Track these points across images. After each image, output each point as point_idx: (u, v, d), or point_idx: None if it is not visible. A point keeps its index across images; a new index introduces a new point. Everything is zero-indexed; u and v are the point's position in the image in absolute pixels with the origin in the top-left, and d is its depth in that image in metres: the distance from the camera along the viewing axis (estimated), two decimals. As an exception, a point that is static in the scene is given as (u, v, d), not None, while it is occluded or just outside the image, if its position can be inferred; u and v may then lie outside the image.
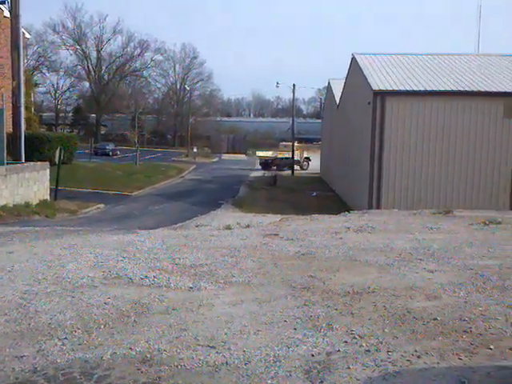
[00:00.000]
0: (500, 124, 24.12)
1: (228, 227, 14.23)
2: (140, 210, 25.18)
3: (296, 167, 58.07)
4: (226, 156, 75.10)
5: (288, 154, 54.37)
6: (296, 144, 60.10)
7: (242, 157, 75.61)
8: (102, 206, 24.78)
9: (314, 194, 35.86)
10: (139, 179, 37.52)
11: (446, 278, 7.69)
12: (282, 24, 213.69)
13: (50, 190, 23.22)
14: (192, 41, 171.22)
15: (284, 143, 59.66)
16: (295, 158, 57.84)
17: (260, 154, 59.80)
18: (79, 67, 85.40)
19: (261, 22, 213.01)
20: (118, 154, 61.56)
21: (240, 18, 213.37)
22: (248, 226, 14.41)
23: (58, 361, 4.90)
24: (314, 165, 56.02)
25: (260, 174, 48.07)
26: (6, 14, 26.13)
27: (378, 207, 23.46)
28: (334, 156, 39.54)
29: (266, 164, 54.50)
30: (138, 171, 42.42)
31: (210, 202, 29.35)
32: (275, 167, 53.62)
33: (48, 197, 22.77)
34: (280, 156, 55.94)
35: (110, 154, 60.78)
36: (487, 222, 12.44)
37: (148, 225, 18.50)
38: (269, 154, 57.82)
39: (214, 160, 68.08)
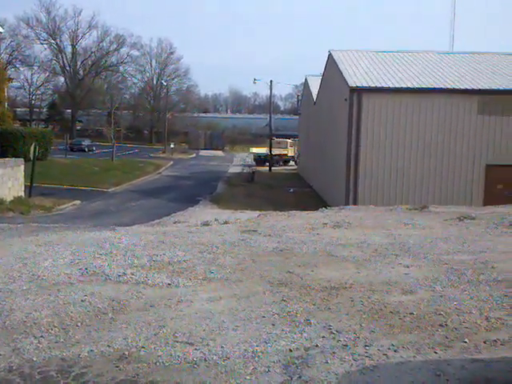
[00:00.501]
0: (474, 121, 24.48)
1: (206, 223, 14.21)
2: (117, 206, 24.98)
3: (291, 163, 58.97)
4: (203, 152, 74.77)
5: (279, 151, 55.58)
6: (289, 141, 60.77)
7: (220, 153, 75.44)
8: (77, 202, 24.52)
9: (292, 190, 35.98)
10: (116, 175, 37.20)
11: (422, 272, 7.80)
12: (259, 19, 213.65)
13: (25, 186, 22.89)
14: (169, 36, 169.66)
15: (279, 139, 60.52)
16: (290, 155, 58.71)
17: (254, 150, 60.95)
18: (54, 62, 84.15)
19: (238, 18, 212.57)
20: (94, 150, 60.89)
21: (217, 13, 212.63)
22: (226, 223, 14.40)
23: (34, 359, 4.86)
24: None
25: (238, 170, 48.04)
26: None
27: (355, 203, 23.63)
28: (311, 152, 39.71)
29: (259, 160, 55.33)
30: (115, 167, 42.04)
31: (188, 198, 29.25)
32: (268, 163, 54.73)
33: (23, 193, 22.46)
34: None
35: (86, 149, 60.13)
36: (462, 218, 12.63)
37: (125, 221, 18.38)
38: (263, 150, 58.94)
39: (192, 156, 67.78)
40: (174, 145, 67.20)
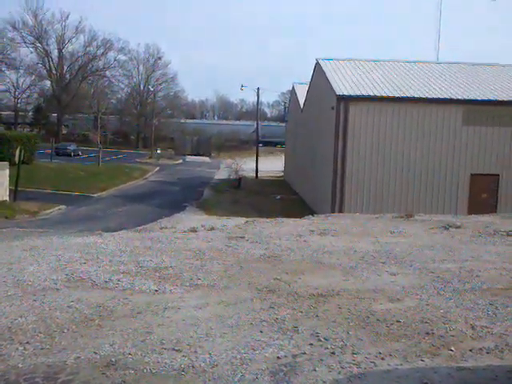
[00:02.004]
0: (459, 131, 24.75)
1: (193, 230, 14.16)
2: (103, 211, 24.82)
3: None
4: (189, 158, 74.55)
5: None
6: None
7: (206, 159, 75.31)
8: (63, 207, 24.33)
9: (278, 197, 36.01)
10: (102, 180, 36.95)
11: (408, 280, 7.86)
12: (247, 26, 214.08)
13: (10, 190, 22.67)
14: (156, 41, 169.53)
15: None
16: None
17: None
18: (40, 66, 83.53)
19: (225, 24, 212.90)
20: (80, 155, 60.47)
21: (204, 19, 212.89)
22: (213, 229, 14.36)
23: (20, 366, 4.80)
24: (279, 168, 56.15)
25: (224, 176, 47.95)
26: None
27: (341, 211, 23.73)
28: (298, 159, 39.82)
29: None
30: (101, 172, 41.77)
31: (174, 204, 29.15)
32: None
33: (7, 197, 22.24)
34: None
35: (72, 154, 59.61)
36: (447, 226, 12.74)
37: (111, 227, 18.25)
38: None
39: (178, 162, 67.52)
40: (161, 150, 66.99)
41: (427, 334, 5.68)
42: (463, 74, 28.95)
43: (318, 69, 30.89)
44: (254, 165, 51.49)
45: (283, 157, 56.67)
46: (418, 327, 5.87)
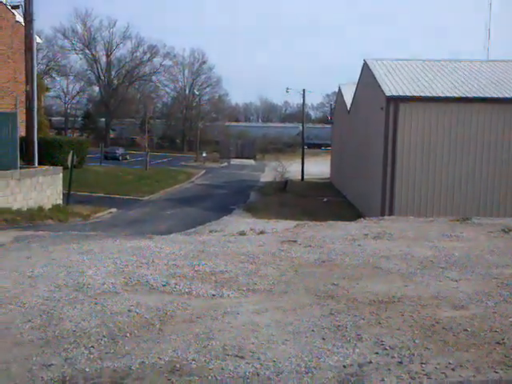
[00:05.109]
0: (514, 130, 23.92)
1: (242, 233, 14.15)
2: (152, 214, 25.11)
3: None
4: (234, 161, 74.90)
5: None
6: None
7: (251, 162, 75.50)
8: (113, 210, 24.72)
9: (325, 199, 35.68)
10: (149, 184, 37.45)
11: (471, 287, 7.58)
12: (290, 28, 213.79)
13: (63, 194, 23.20)
14: (201, 45, 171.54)
15: None
16: None
17: None
18: (89, 72, 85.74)
19: (269, 26, 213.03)
20: (128, 159, 61.61)
21: (249, 21, 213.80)
22: (262, 232, 14.30)
23: (87, 370, 4.84)
24: (325, 171, 55.69)
25: (270, 178, 47.93)
26: (18, 18, 26.06)
27: (391, 213, 23.26)
28: (345, 161, 39.39)
29: None
30: (148, 176, 42.37)
31: (221, 207, 29.25)
32: None
33: (61, 201, 22.74)
34: None
35: (120, 158, 60.80)
36: (507, 230, 12.29)
37: (161, 230, 18.43)
38: None
39: (223, 165, 67.97)
40: (206, 153, 67.56)
41: (498, 343, 5.44)
42: (516, 71, 28.00)
43: (365, 69, 30.49)
44: (299, 167, 51.22)
45: (329, 159, 56.17)
46: (488, 336, 5.64)
